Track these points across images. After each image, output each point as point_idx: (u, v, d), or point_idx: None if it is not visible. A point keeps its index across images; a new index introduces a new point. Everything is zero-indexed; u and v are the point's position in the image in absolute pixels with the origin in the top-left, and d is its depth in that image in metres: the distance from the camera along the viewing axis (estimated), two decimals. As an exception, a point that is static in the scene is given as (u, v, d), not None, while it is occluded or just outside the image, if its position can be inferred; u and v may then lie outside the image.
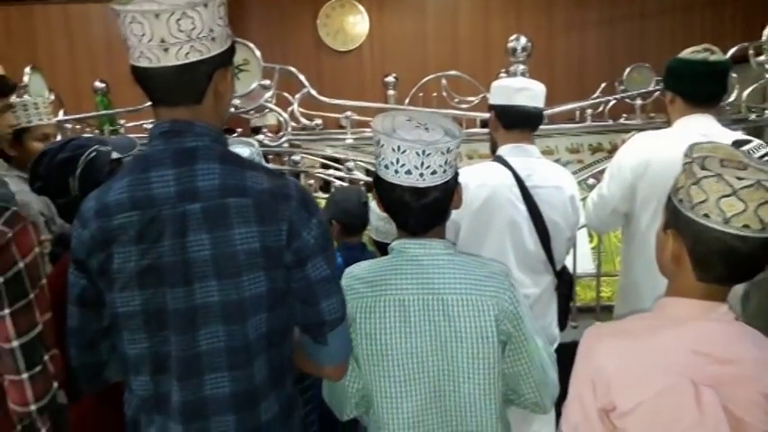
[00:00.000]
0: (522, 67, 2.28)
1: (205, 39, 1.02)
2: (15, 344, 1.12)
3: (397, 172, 1.17)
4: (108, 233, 1.04)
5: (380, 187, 1.22)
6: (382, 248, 1.84)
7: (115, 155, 1.52)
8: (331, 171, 2.60)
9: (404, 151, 1.16)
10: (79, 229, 1.09)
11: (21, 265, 1.13)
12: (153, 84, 1.05)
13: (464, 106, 3.50)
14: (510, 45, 2.29)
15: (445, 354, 1.18)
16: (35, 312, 1.15)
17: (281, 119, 2.56)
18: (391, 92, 3.45)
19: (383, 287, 1.19)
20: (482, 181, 1.71)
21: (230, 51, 1.08)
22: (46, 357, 1.16)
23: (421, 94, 3.60)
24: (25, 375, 1.13)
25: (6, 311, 1.11)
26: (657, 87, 3.13)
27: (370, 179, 2.62)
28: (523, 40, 2.27)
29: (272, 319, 1.07)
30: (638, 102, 3.10)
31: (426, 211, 1.19)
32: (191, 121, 1.06)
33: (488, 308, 1.17)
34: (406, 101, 3.46)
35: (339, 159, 2.69)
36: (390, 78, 3.50)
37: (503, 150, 1.78)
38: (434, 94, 3.65)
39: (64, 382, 1.21)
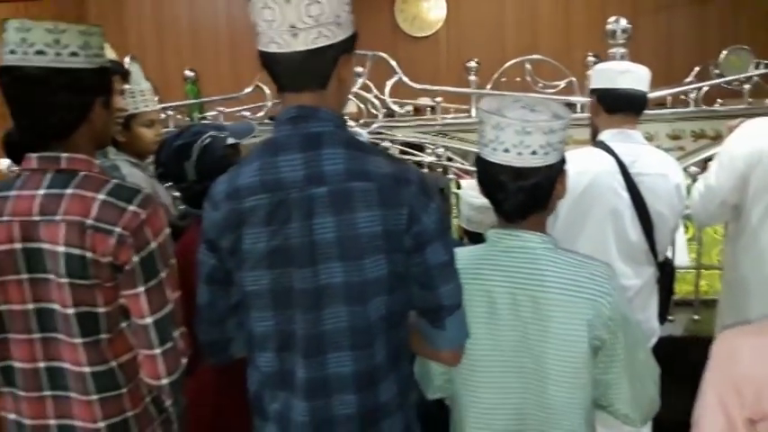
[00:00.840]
0: (621, 50, 2.20)
1: (332, 24, 1.04)
2: (149, 320, 1.18)
3: (495, 150, 1.15)
4: (239, 215, 1.09)
5: (479, 167, 1.21)
6: (474, 239, 1.83)
7: (231, 140, 1.57)
8: (416, 158, 2.60)
9: (503, 128, 1.14)
10: (211, 210, 1.14)
11: (153, 245, 1.19)
12: (281, 69, 1.08)
13: (549, 91, 3.41)
14: (609, 27, 2.21)
15: (531, 351, 1.16)
16: (166, 291, 1.21)
17: (362, 106, 2.58)
18: (473, 77, 3.40)
19: (472, 276, 1.18)
20: (583, 167, 1.66)
21: (353, 37, 1.10)
22: (176, 334, 1.22)
23: (504, 79, 3.54)
24: (158, 350, 1.19)
25: (141, 289, 1.18)
26: (759, 71, 2.95)
27: (458, 165, 2.61)
28: (623, 21, 2.19)
29: (392, 301, 1.09)
30: (747, 87, 2.91)
31: (523, 193, 1.16)
32: (316, 107, 1.08)
33: (583, 311, 1.13)
34: (488, 86, 3.41)
35: (420, 146, 2.68)
36: (472, 64, 3.45)
37: (604, 136, 1.73)
38: (518, 79, 3.58)
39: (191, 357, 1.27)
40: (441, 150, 2.39)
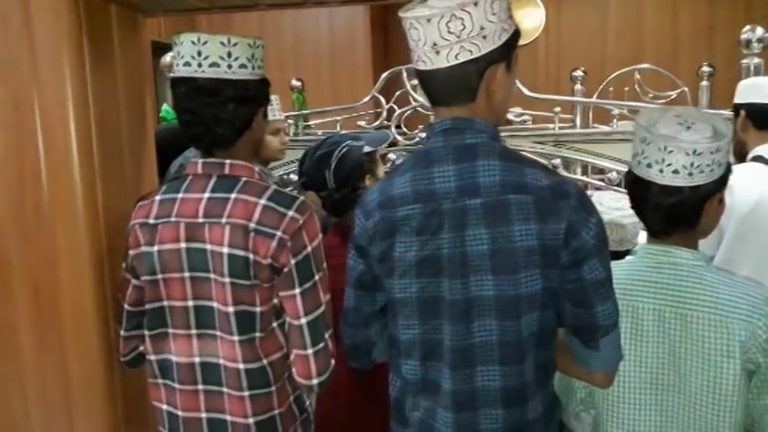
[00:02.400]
0: (756, 60, 2.10)
1: (475, 38, 1.03)
2: (303, 321, 1.23)
3: (639, 163, 1.16)
4: (391, 224, 1.11)
5: (628, 177, 1.20)
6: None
7: (367, 148, 1.62)
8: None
9: (648, 143, 1.14)
10: (362, 218, 1.17)
11: (309, 249, 1.24)
12: (430, 85, 1.11)
13: (660, 102, 3.29)
14: (744, 36, 2.10)
15: (677, 370, 1.12)
16: (320, 293, 1.25)
17: None
18: (578, 86, 3.33)
19: (618, 291, 1.14)
20: (751, 183, 1.59)
21: (505, 47, 1.07)
22: (327, 335, 1.26)
23: (611, 89, 3.44)
24: (310, 351, 1.24)
25: (297, 291, 1.23)
26: None
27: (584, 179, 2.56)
28: (760, 30, 2.08)
29: (544, 318, 1.08)
30: None
31: (662, 211, 1.15)
32: (470, 118, 1.09)
33: (735, 332, 1.09)
34: (594, 96, 3.33)
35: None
36: (579, 73, 3.38)
37: (762, 150, 1.65)
38: (626, 89, 3.47)
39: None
40: (557, 161, 2.36)
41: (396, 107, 2.50)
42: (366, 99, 2.51)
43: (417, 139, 2.55)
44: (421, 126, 2.83)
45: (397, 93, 2.55)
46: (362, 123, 2.59)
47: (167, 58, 1.91)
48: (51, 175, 1.33)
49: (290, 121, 3.01)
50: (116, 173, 1.45)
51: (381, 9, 5.36)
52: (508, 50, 1.08)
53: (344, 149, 1.60)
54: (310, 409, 1.39)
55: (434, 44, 1.04)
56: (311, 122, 3.62)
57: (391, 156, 2.57)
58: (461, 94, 1.08)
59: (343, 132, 1.72)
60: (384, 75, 2.53)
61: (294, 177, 2.58)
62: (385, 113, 2.52)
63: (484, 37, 1.04)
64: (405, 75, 2.48)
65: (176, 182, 1.31)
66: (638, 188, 1.17)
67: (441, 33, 1.03)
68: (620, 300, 1.14)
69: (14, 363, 1.39)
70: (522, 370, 1.08)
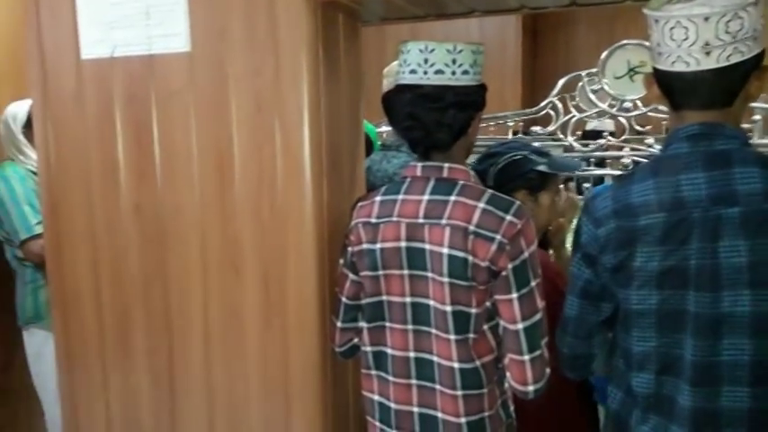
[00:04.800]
0: None
1: (749, 39, 1.00)
2: (520, 326, 1.24)
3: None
4: (630, 232, 1.09)
5: None
6: None
7: (543, 168, 1.61)
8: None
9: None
10: (591, 225, 1.15)
11: (526, 254, 1.24)
12: (684, 87, 1.07)
13: None
14: None
15: None
16: (536, 300, 1.25)
17: (623, 121, 2.46)
18: None
19: None
20: None
21: (763, 52, 1.05)
22: (543, 343, 1.26)
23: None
24: (527, 357, 1.24)
25: (514, 295, 1.23)
26: None
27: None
28: None
29: None
30: None
31: None
32: (721, 124, 1.05)
33: None
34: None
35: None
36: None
37: None
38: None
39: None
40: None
41: (576, 112, 2.44)
42: (543, 104, 2.47)
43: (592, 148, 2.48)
44: (579, 132, 2.75)
45: (547, 99, 2.50)
46: (537, 129, 2.55)
47: (394, 65, 2.00)
48: (286, 174, 1.44)
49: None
50: (337, 173, 1.53)
51: (532, 15, 5.28)
52: (763, 57, 1.05)
53: (518, 157, 1.61)
54: (513, 414, 1.39)
55: (706, 44, 1.01)
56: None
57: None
58: (723, 97, 1.05)
59: (533, 145, 1.71)
60: (562, 80, 2.48)
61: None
62: (556, 119, 2.47)
63: (755, 39, 1.01)
64: (585, 79, 2.41)
65: (395, 184, 1.37)
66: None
67: (717, 33, 1.00)
68: None
69: (241, 345, 1.52)
70: None
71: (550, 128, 2.49)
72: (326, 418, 1.49)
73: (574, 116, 2.47)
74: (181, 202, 1.53)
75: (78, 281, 1.65)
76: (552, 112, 2.55)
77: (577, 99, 2.49)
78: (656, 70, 1.12)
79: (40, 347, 2.45)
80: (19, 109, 2.46)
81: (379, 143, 2.56)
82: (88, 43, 1.56)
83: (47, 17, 1.60)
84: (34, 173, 2.46)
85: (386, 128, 2.80)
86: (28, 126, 2.47)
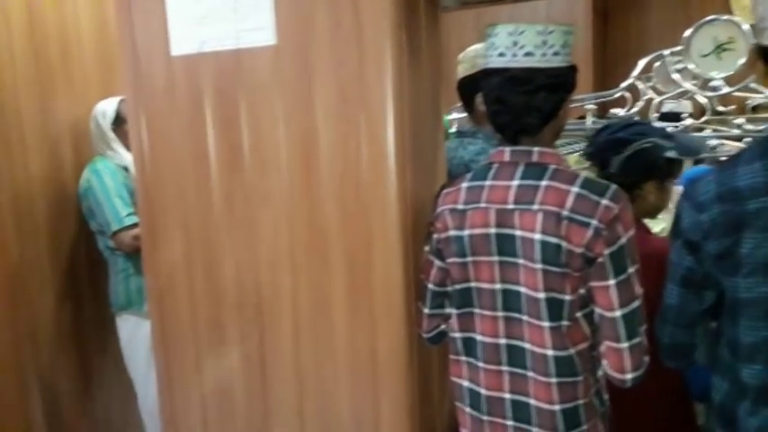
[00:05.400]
0: None
1: None
2: (618, 314, 1.21)
3: None
4: (737, 217, 1.04)
5: None
6: None
7: (672, 154, 1.55)
8: None
9: None
10: (693, 211, 1.11)
11: (623, 240, 1.21)
12: None
13: None
14: None
15: None
16: (634, 287, 1.22)
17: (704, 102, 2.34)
18: None
19: None
20: None
21: None
22: (641, 330, 1.22)
23: None
24: (625, 345, 1.21)
25: (612, 282, 1.21)
26: None
27: None
28: None
29: None
30: None
31: None
32: None
33: None
34: None
35: None
36: None
37: None
38: None
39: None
40: None
41: (654, 94, 2.35)
42: (624, 84, 2.40)
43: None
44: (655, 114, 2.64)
45: (627, 80, 2.42)
46: (618, 111, 2.47)
47: (470, 51, 1.98)
48: (370, 163, 1.45)
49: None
50: (420, 161, 1.54)
51: (603, -6, 5.11)
52: None
53: (647, 145, 1.54)
54: (607, 403, 1.37)
55: None
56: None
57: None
58: None
59: (655, 126, 1.65)
60: (643, 60, 2.40)
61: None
62: (633, 101, 2.39)
63: None
64: (668, 58, 2.32)
65: (481, 170, 1.36)
66: None
67: None
68: None
69: (329, 332, 1.55)
70: None
71: (631, 110, 2.41)
72: (414, 402, 1.51)
73: (652, 98, 2.38)
74: (269, 191, 1.57)
75: (173, 270, 1.72)
76: (628, 94, 2.47)
77: (654, 80, 2.40)
78: (761, 47, 1.07)
79: (132, 333, 2.58)
80: (108, 106, 2.59)
81: (452, 130, 2.55)
82: (178, 40, 1.62)
83: (138, 17, 1.67)
84: (123, 168, 2.59)
85: (456, 115, 2.79)
86: (116, 123, 2.59)
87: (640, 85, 2.37)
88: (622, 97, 2.49)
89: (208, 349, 1.71)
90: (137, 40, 1.68)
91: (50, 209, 2.68)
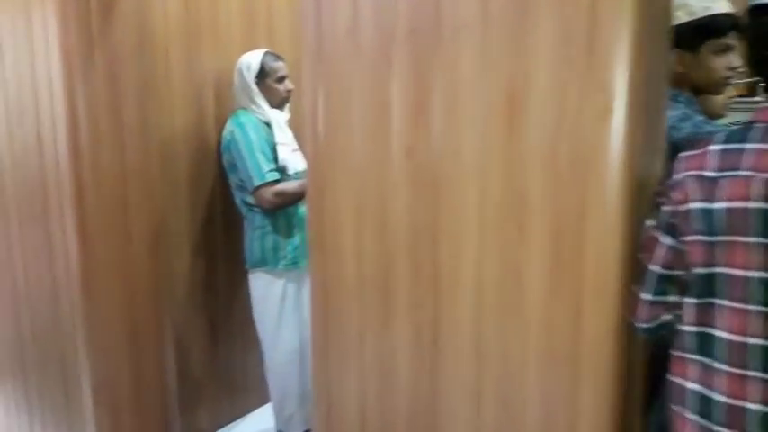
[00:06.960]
0: None
1: None
2: None
3: None
4: None
5: None
6: None
7: None
8: None
9: None
10: None
11: None
12: None
13: None
14: None
15: None
16: None
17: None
18: None
19: None
20: None
21: None
22: None
23: None
24: None
25: None
26: None
27: None
28: None
29: None
30: None
31: None
32: None
33: None
34: None
35: None
36: None
37: None
38: None
39: None
40: None
41: None
42: None
43: None
44: None
45: None
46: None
47: None
48: (593, 118, 1.24)
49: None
50: (648, 118, 1.31)
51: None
52: None
53: None
54: None
55: None
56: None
57: None
58: None
59: None
60: None
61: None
62: None
63: None
64: None
65: (738, 131, 1.13)
66: None
67: None
68: None
69: (520, 309, 1.37)
70: None
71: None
72: (619, 400, 1.31)
73: None
74: (459, 146, 1.40)
75: (340, 226, 1.59)
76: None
77: None
78: None
79: (264, 290, 2.52)
80: (252, 59, 2.50)
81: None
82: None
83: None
84: (266, 123, 2.51)
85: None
86: (260, 76, 2.51)
87: None
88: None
89: (373, 316, 1.57)
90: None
91: (191, 160, 2.66)
